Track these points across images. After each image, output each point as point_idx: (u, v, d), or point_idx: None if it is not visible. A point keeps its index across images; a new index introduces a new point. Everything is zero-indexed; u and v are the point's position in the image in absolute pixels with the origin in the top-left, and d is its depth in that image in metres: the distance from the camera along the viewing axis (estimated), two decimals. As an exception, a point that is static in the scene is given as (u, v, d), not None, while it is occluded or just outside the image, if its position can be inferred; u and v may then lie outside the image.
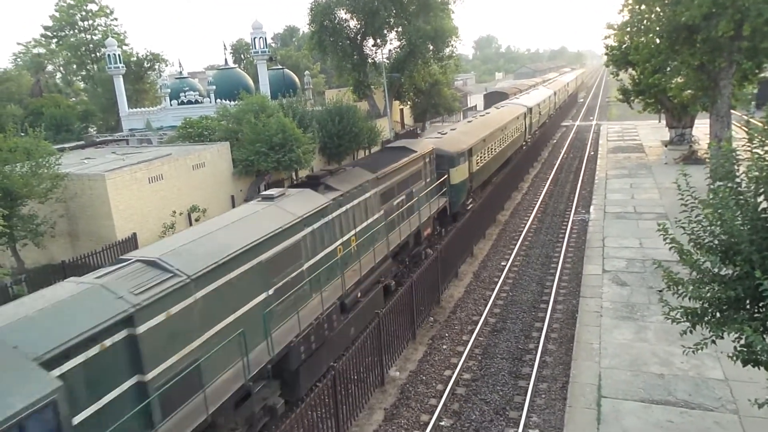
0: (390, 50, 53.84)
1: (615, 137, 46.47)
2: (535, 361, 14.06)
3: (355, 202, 15.53)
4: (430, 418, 12.04)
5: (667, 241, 8.72)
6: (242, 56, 74.45)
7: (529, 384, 13.09)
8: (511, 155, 35.92)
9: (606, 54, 36.93)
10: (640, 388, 11.88)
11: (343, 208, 14.85)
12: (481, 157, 27.68)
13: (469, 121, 33.29)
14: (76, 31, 62.56)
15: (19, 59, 71.88)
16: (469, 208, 24.82)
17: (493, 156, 30.50)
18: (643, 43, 28.87)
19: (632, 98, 37.82)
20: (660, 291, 8.78)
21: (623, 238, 21.35)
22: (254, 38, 45.24)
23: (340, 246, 14.56)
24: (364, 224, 16.03)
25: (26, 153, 21.50)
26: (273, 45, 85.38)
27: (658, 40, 28.35)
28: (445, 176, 22.88)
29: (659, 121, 48.08)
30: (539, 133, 46.74)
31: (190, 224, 25.71)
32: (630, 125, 52.43)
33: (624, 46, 33.73)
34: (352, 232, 15.31)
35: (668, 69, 30.46)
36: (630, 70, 36.51)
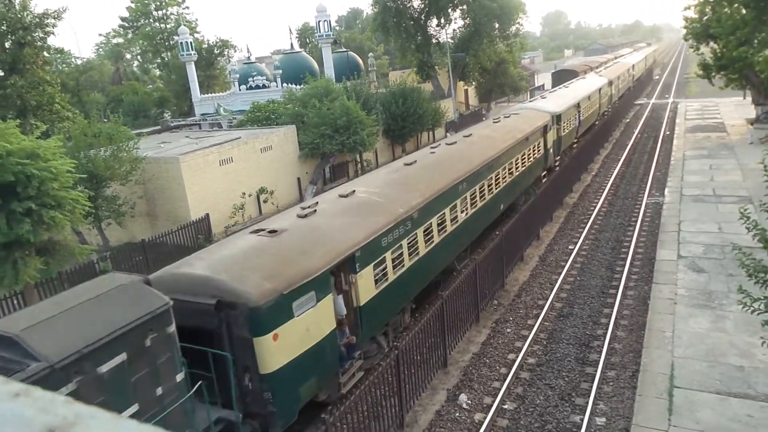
0: (454, 29, 53.10)
1: (694, 115, 43.90)
2: (603, 347, 13.68)
3: None
4: (494, 401, 12.02)
5: (750, 227, 8.25)
6: (307, 40, 75.39)
7: (596, 371, 12.77)
8: (518, 197, 23.57)
9: (685, 27, 34.86)
10: (716, 379, 11.35)
11: None
12: (408, 251, 13.96)
13: (406, 165, 17.12)
14: (150, 20, 65.32)
15: (100, 49, 76.18)
16: (348, 387, 12.03)
17: (454, 229, 16.65)
18: (727, 14, 27.09)
19: (713, 74, 35.54)
20: (749, 276, 8.22)
21: (701, 223, 20.28)
22: (319, 22, 45.62)
23: None
24: None
25: (108, 138, 22.82)
26: (337, 28, 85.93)
27: (743, 11, 26.51)
28: (249, 355, 9.58)
29: (744, 98, 44.99)
30: (587, 137, 34.04)
31: (259, 206, 26.58)
32: (710, 103, 49.37)
33: (705, 18, 31.77)
34: None
35: (755, 41, 28.45)
36: (711, 43, 34.32)
